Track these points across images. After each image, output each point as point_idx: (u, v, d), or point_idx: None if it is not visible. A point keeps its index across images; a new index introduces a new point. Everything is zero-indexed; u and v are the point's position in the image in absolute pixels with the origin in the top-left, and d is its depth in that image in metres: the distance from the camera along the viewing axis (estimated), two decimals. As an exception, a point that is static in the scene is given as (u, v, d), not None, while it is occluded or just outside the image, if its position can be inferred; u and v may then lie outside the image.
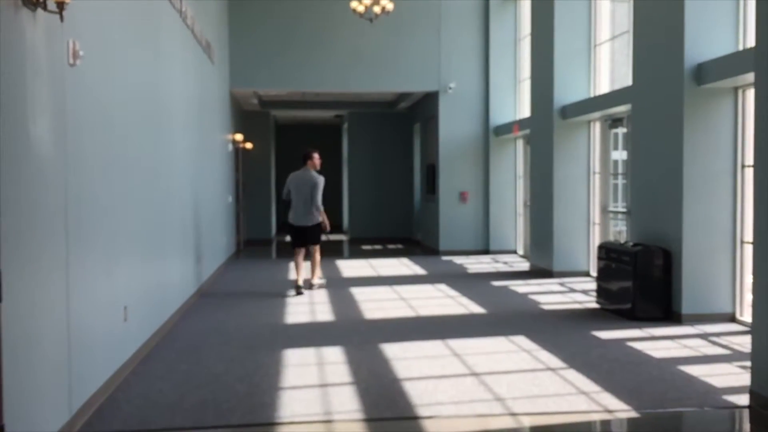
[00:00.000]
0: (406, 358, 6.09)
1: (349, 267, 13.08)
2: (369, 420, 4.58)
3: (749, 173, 7.23)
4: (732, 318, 7.52)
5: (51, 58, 4.12)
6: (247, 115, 18.30)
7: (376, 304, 9.00)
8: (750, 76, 6.60)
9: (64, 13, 3.95)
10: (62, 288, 4.22)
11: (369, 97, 17.96)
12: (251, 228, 18.18)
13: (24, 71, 3.75)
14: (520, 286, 10.37)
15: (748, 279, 7.20)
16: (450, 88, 14.91)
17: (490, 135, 15.02)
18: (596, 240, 10.77)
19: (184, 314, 8.20)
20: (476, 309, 8.61)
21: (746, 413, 4.73)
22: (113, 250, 5.38)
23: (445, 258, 14.34)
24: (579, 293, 9.67)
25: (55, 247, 4.12)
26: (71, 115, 4.41)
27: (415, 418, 4.61)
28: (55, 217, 4.13)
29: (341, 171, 23.40)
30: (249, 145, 17.28)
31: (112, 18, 5.51)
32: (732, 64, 7.01)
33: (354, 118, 19.71)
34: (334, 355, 6.23)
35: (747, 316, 7.27)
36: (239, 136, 15.81)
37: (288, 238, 9.60)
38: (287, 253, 16.20)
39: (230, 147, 14.51)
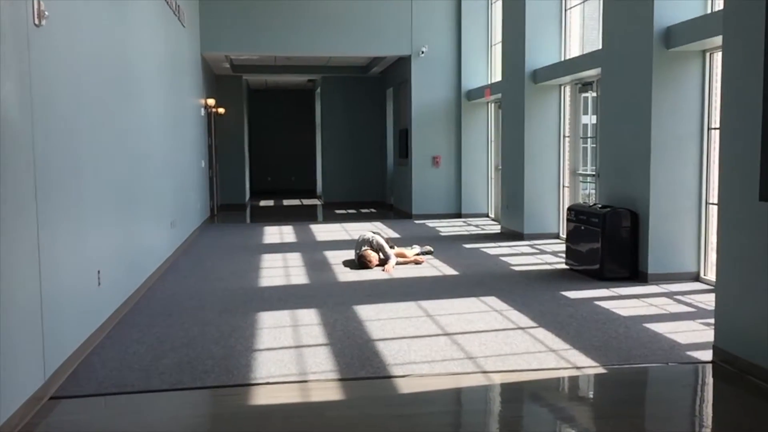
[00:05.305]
0: (379, 319, 6.18)
1: (323, 231, 13.11)
2: (344, 380, 4.65)
3: (715, 136, 7.35)
4: (696, 277, 7.71)
5: (15, 18, 4.04)
6: (219, 80, 18.08)
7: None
8: (718, 40, 6.68)
9: (29, -28, 3.87)
10: (33, 252, 4.20)
11: (342, 62, 17.82)
12: (225, 193, 18.11)
13: (-11, 32, 3.69)
14: (491, 249, 10.49)
15: (713, 239, 7.38)
16: (422, 52, 14.85)
17: (463, 99, 15.02)
18: (566, 203, 10.91)
19: (158, 278, 8.19)
20: (449, 271, 8.71)
21: (709, 368, 4.89)
22: (85, 213, 5.35)
23: (418, 221, 14.43)
24: (549, 255, 9.82)
25: (24, 210, 4.09)
26: (37, 76, 4.34)
27: (390, 377, 4.69)
28: (23, 180, 4.08)
29: (315, 136, 23.29)
30: (222, 110, 17.10)
31: (78, -22, 5.40)
32: (700, 27, 7.08)
33: (327, 82, 19.57)
34: (309, 317, 6.29)
35: (711, 275, 7.45)
36: (211, 101, 15.64)
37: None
38: (261, 217, 16.20)
39: (203, 111, 14.36)
